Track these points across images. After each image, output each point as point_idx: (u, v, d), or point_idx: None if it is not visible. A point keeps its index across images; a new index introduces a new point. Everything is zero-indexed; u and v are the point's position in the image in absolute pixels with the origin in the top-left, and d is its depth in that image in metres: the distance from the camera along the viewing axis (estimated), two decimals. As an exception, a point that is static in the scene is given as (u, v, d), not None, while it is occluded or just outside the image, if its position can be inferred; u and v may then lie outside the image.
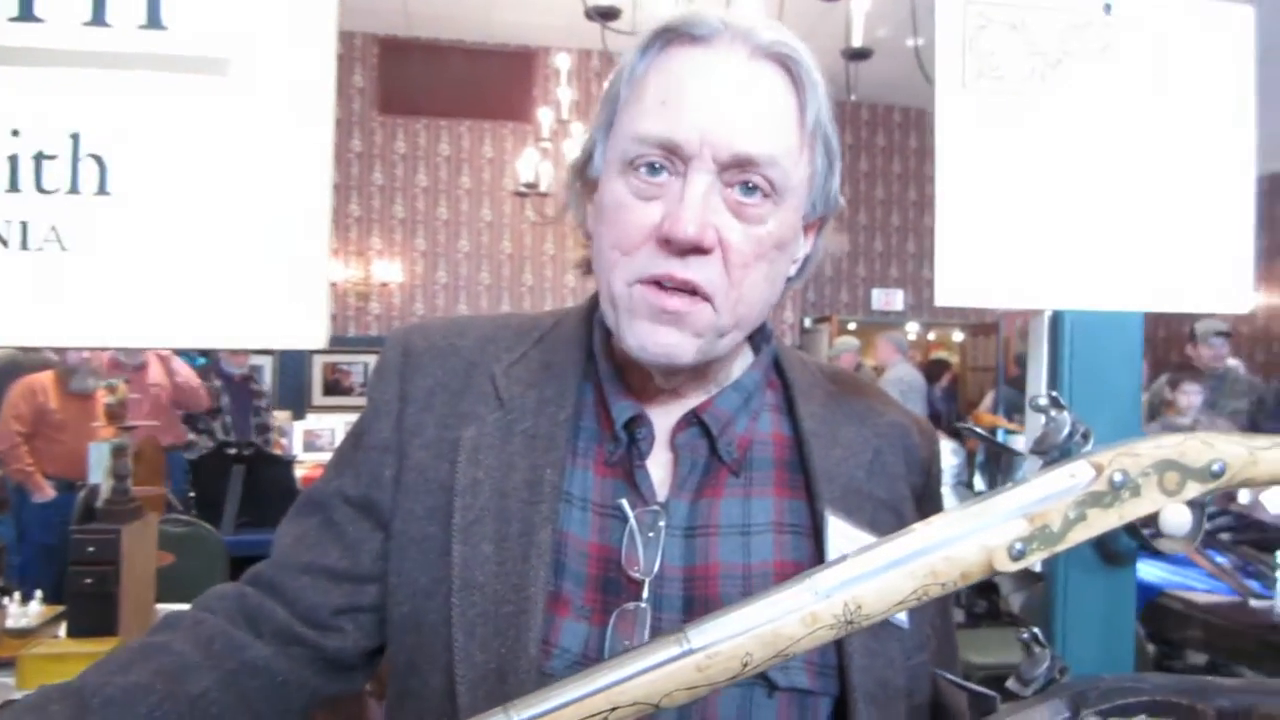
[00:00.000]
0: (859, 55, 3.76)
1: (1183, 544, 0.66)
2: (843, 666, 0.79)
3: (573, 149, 6.55)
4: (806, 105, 0.80)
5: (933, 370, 9.22)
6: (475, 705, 0.74)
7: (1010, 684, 0.68)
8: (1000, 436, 4.32)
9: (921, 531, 0.62)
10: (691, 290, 0.77)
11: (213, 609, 0.84)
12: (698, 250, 0.75)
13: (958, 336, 11.93)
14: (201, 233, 0.63)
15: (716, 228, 0.76)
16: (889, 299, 10.94)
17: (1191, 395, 5.06)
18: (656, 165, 0.77)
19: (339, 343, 8.77)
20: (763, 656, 0.59)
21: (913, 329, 11.10)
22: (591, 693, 0.57)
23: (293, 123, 0.62)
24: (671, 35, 0.79)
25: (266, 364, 6.03)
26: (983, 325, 10.95)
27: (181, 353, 5.69)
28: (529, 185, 6.93)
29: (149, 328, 0.63)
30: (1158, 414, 5.36)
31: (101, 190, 0.69)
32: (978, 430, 0.69)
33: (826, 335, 10.60)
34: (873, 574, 0.60)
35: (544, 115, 6.81)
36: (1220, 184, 0.77)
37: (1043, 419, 0.67)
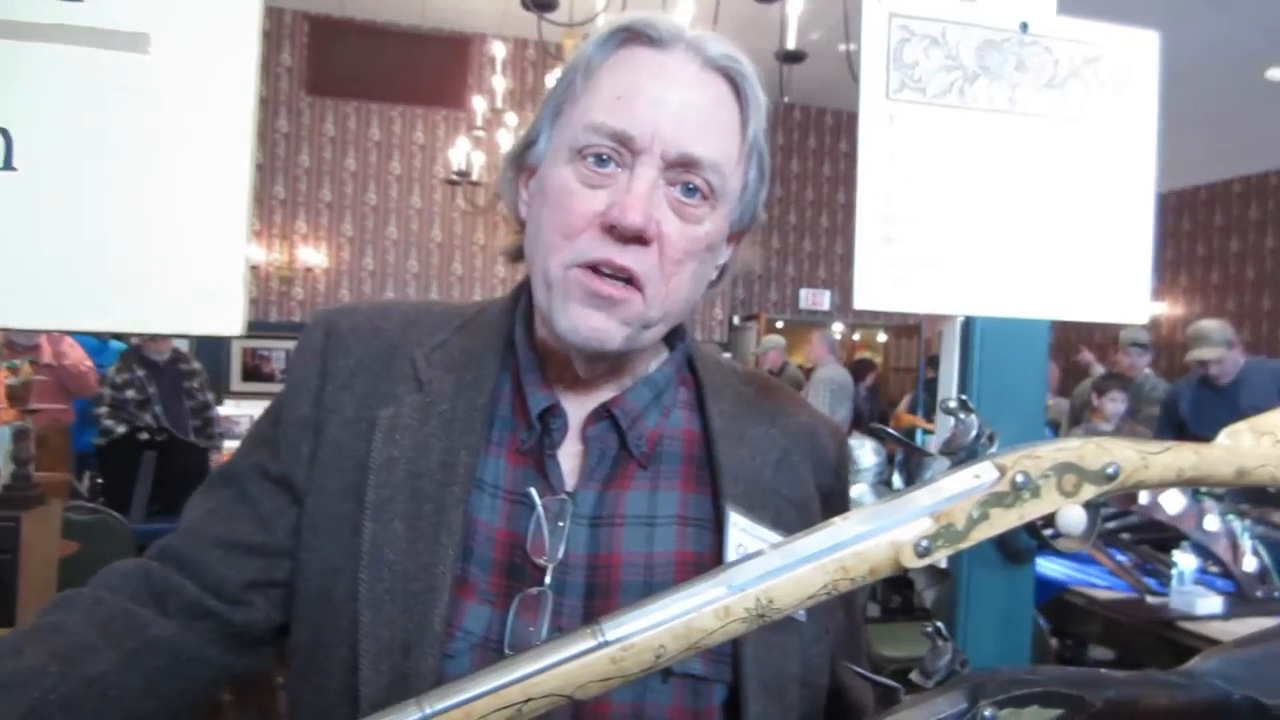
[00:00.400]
0: (792, 58, 3.81)
1: (1078, 543, 0.69)
2: (736, 655, 0.82)
3: (507, 139, 6.50)
4: (749, 121, 0.85)
5: (857, 370, 9.39)
6: (378, 679, 0.76)
7: (914, 676, 0.70)
8: (919, 437, 4.43)
9: (832, 528, 0.64)
10: (626, 279, 0.80)
11: (114, 586, 0.83)
12: (639, 240, 0.79)
13: (881, 338, 12.19)
14: (112, 212, 0.61)
15: (657, 221, 0.79)
16: (816, 299, 11.13)
17: (1117, 403, 5.26)
18: (605, 156, 0.80)
19: (260, 327, 8.57)
20: (676, 649, 0.60)
21: (838, 329, 11.31)
22: (506, 684, 0.57)
23: (213, 101, 0.60)
24: (630, 35, 0.83)
25: (182, 348, 5.80)
26: (906, 327, 11.21)
27: (95, 337, 5.47)
28: (461, 174, 6.87)
29: (53, 309, 0.61)
30: (1082, 418, 5.54)
31: (7, 165, 0.66)
32: (891, 432, 0.71)
33: (754, 333, 10.73)
34: (785, 569, 0.62)
35: (478, 103, 6.75)
36: (1123, 201, 0.81)
37: (952, 421, 0.70)
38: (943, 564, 0.70)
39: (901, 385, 10.95)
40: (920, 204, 0.76)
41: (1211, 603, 3.28)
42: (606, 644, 0.59)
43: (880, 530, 0.64)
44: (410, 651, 0.76)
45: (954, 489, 0.66)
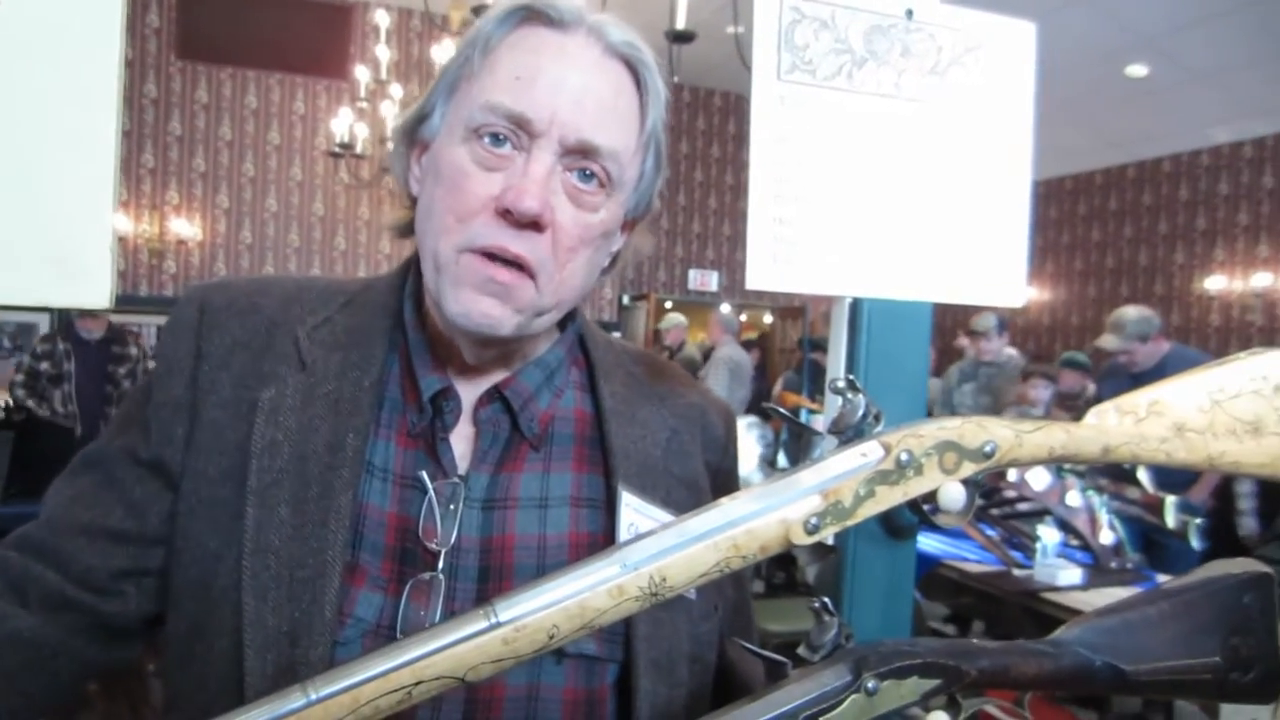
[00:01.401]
0: (682, 38, 3.82)
1: (957, 518, 0.71)
2: (628, 634, 0.82)
3: (391, 111, 6.33)
4: (648, 110, 0.84)
5: (745, 349, 9.56)
6: (264, 669, 0.74)
7: (801, 650, 0.72)
8: (804, 416, 4.53)
9: (724, 507, 0.65)
10: (519, 266, 0.78)
11: None
12: (534, 226, 0.77)
13: (768, 319, 12.44)
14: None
15: (552, 208, 0.78)
16: (705, 279, 11.26)
17: (1039, 389, 5.40)
18: (501, 137, 0.78)
19: (130, 302, 8.15)
20: (570, 629, 0.60)
21: (726, 309, 11.48)
22: (394, 667, 0.56)
23: (73, 57, 0.56)
24: (530, 14, 0.81)
25: (43, 321, 5.40)
26: (791, 309, 11.46)
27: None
28: (344, 146, 6.65)
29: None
30: (1004, 397, 5.64)
31: None
32: (781, 410, 0.72)
33: (644, 312, 10.80)
34: (678, 547, 0.62)
35: (361, 74, 6.53)
36: (1001, 186, 0.84)
37: (840, 400, 0.71)
38: (829, 540, 0.72)
39: (788, 365, 11.21)
40: (810, 186, 0.77)
41: (1072, 574, 3.48)
42: (499, 625, 0.58)
43: (771, 508, 0.65)
44: (299, 640, 0.74)
45: (841, 467, 0.68)
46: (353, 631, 0.77)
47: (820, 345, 8.64)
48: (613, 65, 0.82)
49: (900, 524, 0.76)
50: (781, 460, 5.02)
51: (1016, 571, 3.62)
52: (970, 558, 3.84)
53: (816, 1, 0.76)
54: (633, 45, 0.82)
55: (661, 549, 0.62)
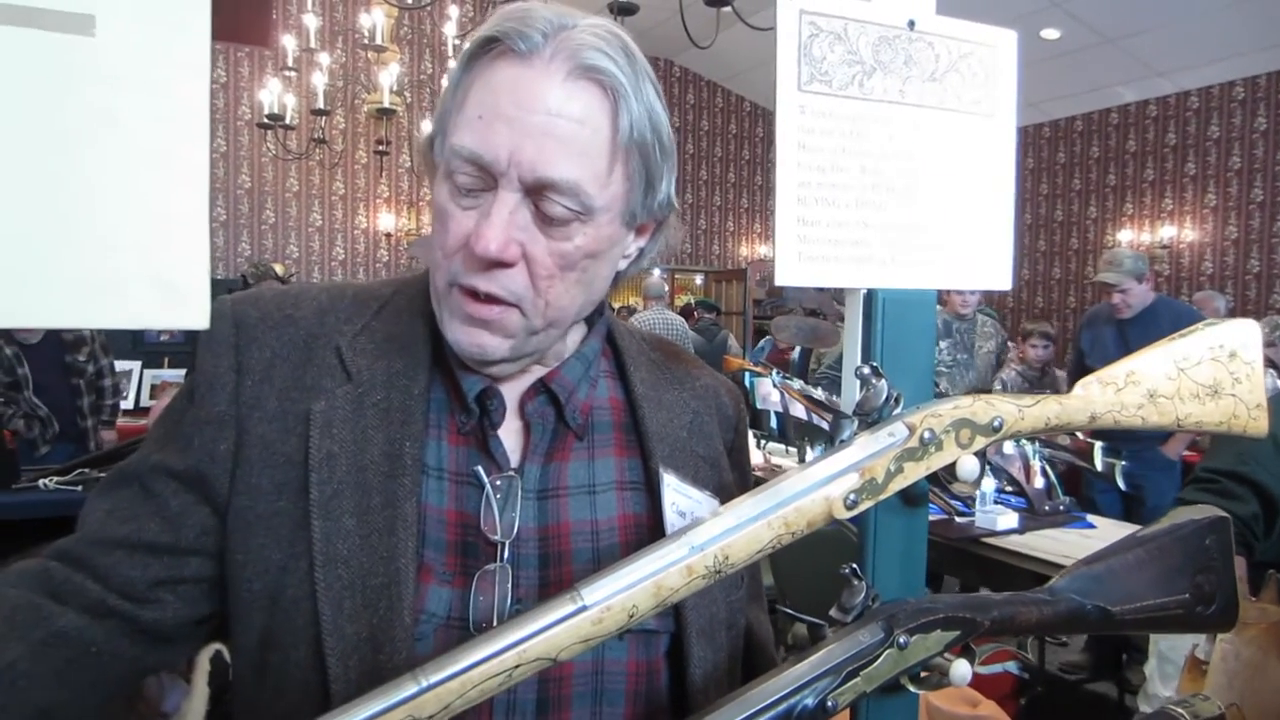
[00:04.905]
0: (625, 10, 3.84)
1: (971, 487, 0.79)
2: (678, 607, 0.88)
3: (322, 81, 6.19)
4: (619, 119, 0.81)
5: (685, 313, 9.64)
6: (348, 675, 0.77)
7: (833, 613, 0.79)
8: (747, 379, 4.64)
9: (775, 488, 0.71)
10: (499, 300, 0.81)
11: (11, 583, 0.79)
12: (500, 264, 0.80)
13: (699, 280, 12.55)
14: (69, 203, 0.58)
15: (521, 243, 0.80)
16: (637, 244, 11.28)
17: (1038, 349, 5.59)
18: (469, 180, 0.80)
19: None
20: (647, 607, 0.66)
21: (658, 273, 11.55)
22: (498, 651, 0.61)
23: (163, 83, 0.58)
24: (494, 45, 0.80)
25: None
26: (725, 272, 11.57)
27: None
28: (272, 117, 6.47)
29: (11, 304, 0.59)
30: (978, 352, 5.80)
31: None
32: (818, 397, 0.78)
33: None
34: (738, 528, 0.69)
35: (288, 42, 6.35)
36: (990, 180, 0.91)
37: (863, 385, 0.78)
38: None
39: (726, 326, 11.36)
40: (828, 188, 0.83)
41: (1009, 519, 3.65)
42: (585, 608, 0.64)
43: (815, 487, 0.72)
44: (381, 646, 0.77)
45: (873, 448, 0.75)
46: (426, 627, 0.80)
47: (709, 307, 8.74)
48: (577, 88, 0.79)
49: (915, 493, 0.83)
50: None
51: (958, 519, 3.78)
52: (915, 509, 3.99)
53: (831, 16, 0.81)
54: (596, 69, 0.79)
55: (724, 530, 0.68)
